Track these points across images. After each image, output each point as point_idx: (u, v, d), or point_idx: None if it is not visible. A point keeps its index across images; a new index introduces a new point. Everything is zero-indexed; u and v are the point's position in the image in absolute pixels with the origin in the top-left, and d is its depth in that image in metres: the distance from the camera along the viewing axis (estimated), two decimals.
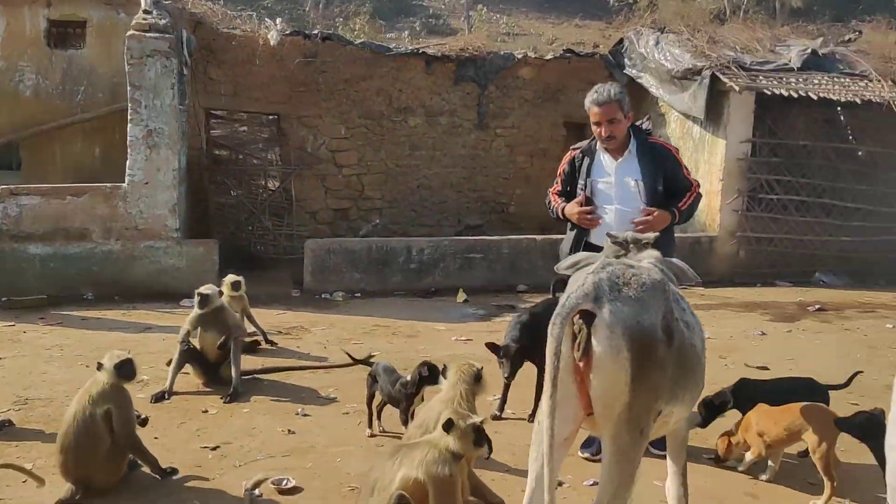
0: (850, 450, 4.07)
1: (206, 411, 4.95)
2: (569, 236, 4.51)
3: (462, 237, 9.94)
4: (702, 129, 10.45)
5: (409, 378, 4.31)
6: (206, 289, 5.38)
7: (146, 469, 3.93)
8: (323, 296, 8.79)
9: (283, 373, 5.74)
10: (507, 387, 5.05)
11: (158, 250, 8.54)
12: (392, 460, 3.08)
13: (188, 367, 5.37)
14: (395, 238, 9.77)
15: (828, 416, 3.80)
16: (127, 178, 8.40)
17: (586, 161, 4.39)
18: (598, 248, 4.25)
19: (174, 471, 3.97)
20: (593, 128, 4.33)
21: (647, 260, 3.14)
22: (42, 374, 5.64)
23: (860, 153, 10.34)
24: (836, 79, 10.15)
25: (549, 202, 4.59)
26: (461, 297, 8.70)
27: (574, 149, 4.54)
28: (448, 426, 3.05)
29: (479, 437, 3.10)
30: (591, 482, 3.96)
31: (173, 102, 8.41)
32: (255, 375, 5.61)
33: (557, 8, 34.53)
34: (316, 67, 10.57)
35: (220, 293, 5.68)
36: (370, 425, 4.59)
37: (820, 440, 3.67)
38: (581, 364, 2.53)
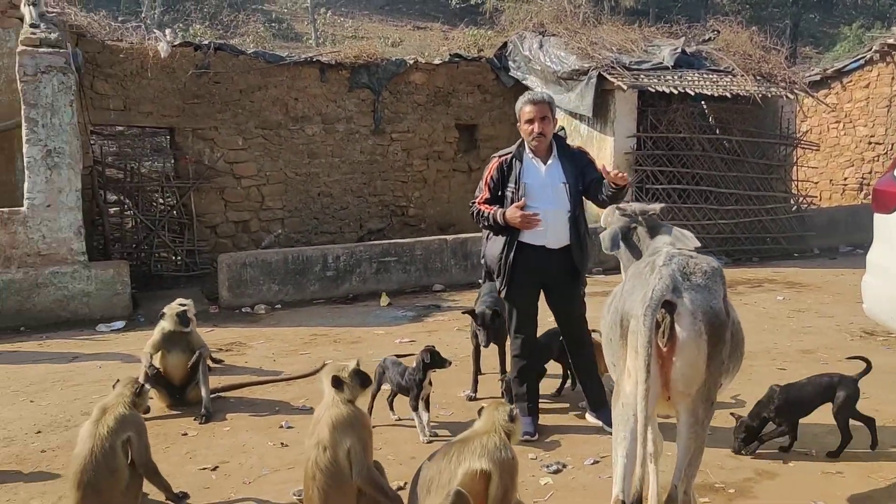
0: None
1: (185, 434, 4.86)
2: (496, 239, 4.69)
3: (376, 242, 10.04)
4: (589, 126, 11.09)
5: (413, 366, 4.64)
6: (182, 308, 5.28)
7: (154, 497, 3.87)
8: (243, 310, 8.67)
9: (245, 388, 5.69)
10: (476, 368, 5.41)
11: (65, 276, 8.16)
12: (446, 459, 3.21)
13: (152, 392, 5.23)
14: (311, 247, 9.76)
15: None
16: (26, 202, 7.96)
17: (517, 165, 4.63)
18: (531, 247, 4.57)
19: (186, 495, 3.92)
20: (524, 127, 4.60)
21: (663, 239, 3.44)
22: None
23: (726, 143, 11.35)
24: (704, 75, 11.04)
25: (478, 212, 4.68)
26: (385, 300, 8.83)
27: (501, 156, 4.74)
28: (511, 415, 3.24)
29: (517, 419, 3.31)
30: (591, 461, 4.25)
31: (72, 120, 8.07)
32: (220, 394, 5.53)
33: (398, 10, 35.19)
34: (209, 78, 10.35)
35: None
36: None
37: None
38: (665, 349, 2.79)
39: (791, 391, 4.25)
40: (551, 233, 4.58)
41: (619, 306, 3.05)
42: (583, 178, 4.66)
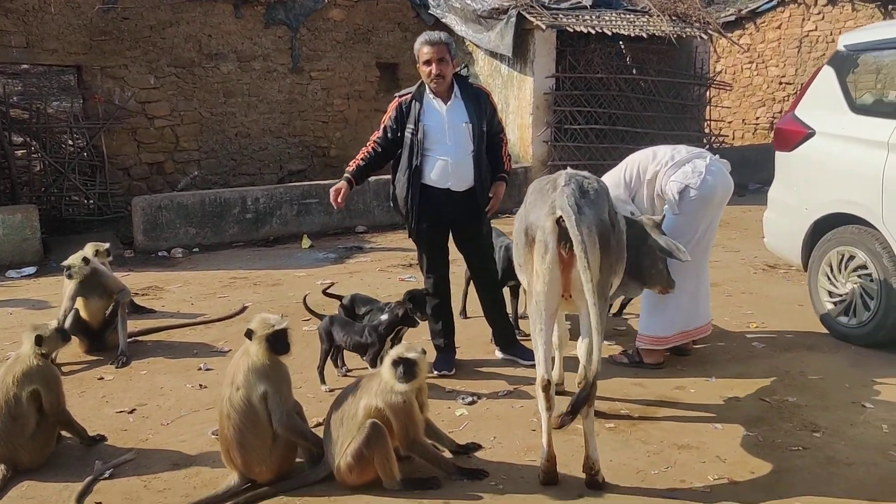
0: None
1: (101, 378, 4.81)
2: (401, 182, 4.67)
3: (297, 183, 9.93)
4: (509, 66, 11.11)
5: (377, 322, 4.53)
6: (71, 260, 5.16)
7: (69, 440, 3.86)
8: (160, 254, 8.54)
9: (164, 332, 5.66)
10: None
11: None
12: (353, 393, 3.33)
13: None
14: (229, 189, 9.60)
15: None
16: None
17: (416, 106, 4.60)
18: (436, 189, 4.59)
19: (103, 438, 3.91)
20: (423, 68, 4.58)
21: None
22: None
23: (642, 83, 11.54)
24: (622, 15, 11.15)
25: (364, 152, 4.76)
26: (306, 243, 8.81)
27: (401, 96, 4.72)
28: (396, 365, 3.27)
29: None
30: (504, 392, 4.42)
31: None
32: (137, 338, 5.48)
33: None
34: (117, 14, 9.91)
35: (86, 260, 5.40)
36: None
37: None
38: (567, 255, 3.28)
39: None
40: (454, 175, 4.59)
41: (524, 217, 3.53)
42: (489, 122, 4.68)
